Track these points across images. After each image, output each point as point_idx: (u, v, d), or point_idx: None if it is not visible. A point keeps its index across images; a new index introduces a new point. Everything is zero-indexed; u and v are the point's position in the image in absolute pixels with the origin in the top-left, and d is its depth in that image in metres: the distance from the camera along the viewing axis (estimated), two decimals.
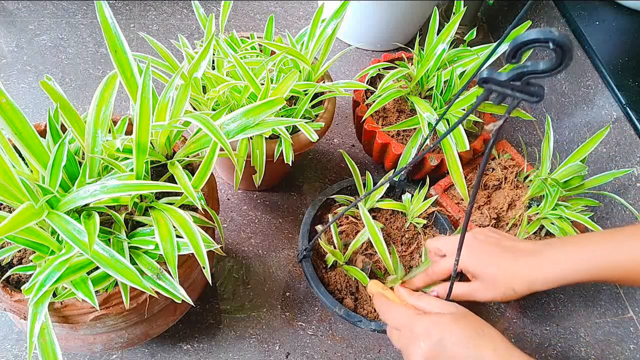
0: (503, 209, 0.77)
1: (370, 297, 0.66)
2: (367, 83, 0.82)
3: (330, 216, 0.74)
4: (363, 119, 0.77)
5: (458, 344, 0.44)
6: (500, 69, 0.92)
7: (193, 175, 0.51)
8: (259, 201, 0.86)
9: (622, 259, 0.46)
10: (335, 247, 0.69)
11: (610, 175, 0.74)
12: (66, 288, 0.46)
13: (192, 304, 0.51)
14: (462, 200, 0.78)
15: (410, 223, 0.75)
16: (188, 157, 0.54)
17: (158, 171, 0.58)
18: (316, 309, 0.76)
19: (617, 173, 0.74)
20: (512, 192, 0.79)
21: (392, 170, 0.80)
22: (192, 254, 0.47)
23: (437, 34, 0.77)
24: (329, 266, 0.70)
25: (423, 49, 0.79)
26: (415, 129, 0.77)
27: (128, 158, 0.50)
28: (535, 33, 0.26)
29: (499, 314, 0.80)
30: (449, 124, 0.76)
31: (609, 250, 0.47)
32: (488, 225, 0.75)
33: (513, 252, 0.52)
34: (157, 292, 0.46)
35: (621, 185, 0.85)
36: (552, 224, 0.73)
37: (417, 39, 0.84)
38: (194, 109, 0.65)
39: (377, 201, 0.74)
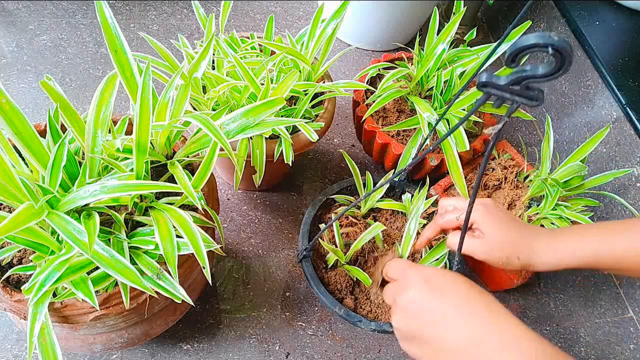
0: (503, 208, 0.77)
1: (376, 293, 0.66)
2: (367, 83, 0.82)
3: (332, 215, 0.74)
4: (363, 119, 0.77)
5: (453, 292, 0.40)
6: (500, 69, 0.92)
7: (193, 175, 0.51)
8: (259, 201, 0.86)
9: (619, 249, 0.49)
10: (336, 247, 0.69)
11: (610, 175, 0.74)
12: (66, 288, 0.46)
13: (192, 304, 0.51)
14: None
15: None
16: (188, 157, 0.54)
17: (158, 171, 0.58)
18: (316, 309, 0.76)
19: (617, 173, 0.74)
20: (512, 192, 0.79)
21: (392, 171, 0.80)
22: (192, 254, 0.47)
23: (437, 34, 0.77)
24: (329, 266, 0.70)
25: (423, 49, 0.79)
26: (415, 129, 0.77)
27: (128, 158, 0.50)
28: (534, 38, 0.26)
29: None
30: (449, 124, 0.76)
31: (607, 240, 0.50)
32: None
33: (525, 227, 0.54)
34: (157, 292, 0.46)
35: (621, 185, 0.85)
36: (552, 224, 0.73)
37: (417, 39, 0.84)
38: (194, 109, 0.65)
39: (377, 201, 0.74)
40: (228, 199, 0.86)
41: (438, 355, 0.39)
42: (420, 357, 0.41)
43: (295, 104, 0.71)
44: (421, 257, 0.73)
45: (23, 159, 0.47)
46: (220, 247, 0.53)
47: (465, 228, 0.40)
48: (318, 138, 0.64)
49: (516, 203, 0.78)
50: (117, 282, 0.47)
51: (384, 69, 0.84)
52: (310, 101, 0.71)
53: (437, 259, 0.69)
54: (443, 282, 0.41)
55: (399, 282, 0.44)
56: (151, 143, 0.51)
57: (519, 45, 0.27)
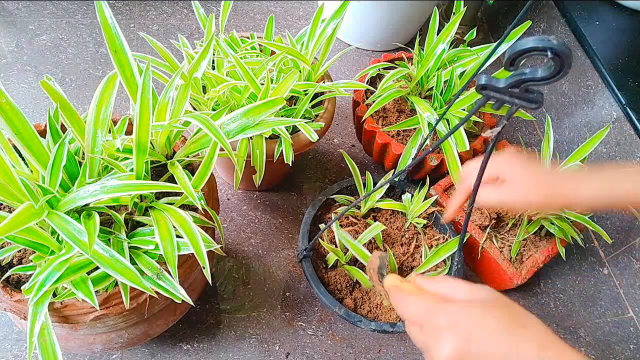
0: (503, 208, 0.77)
1: (382, 296, 0.66)
2: (367, 83, 0.82)
3: (332, 215, 0.74)
4: (363, 119, 0.77)
5: (492, 340, 0.35)
6: (500, 70, 0.92)
7: (193, 175, 0.51)
8: (259, 201, 0.86)
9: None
10: (336, 247, 0.69)
11: None
12: (66, 288, 0.46)
13: (192, 304, 0.51)
14: None
15: (410, 223, 0.75)
16: (188, 157, 0.54)
17: (158, 171, 0.58)
18: (316, 309, 0.76)
19: None
20: None
21: (392, 171, 0.80)
22: (192, 254, 0.47)
23: (437, 34, 0.77)
24: (329, 266, 0.70)
25: (423, 49, 0.79)
26: (415, 129, 0.77)
27: (128, 158, 0.50)
28: (533, 41, 0.26)
29: None
30: (449, 124, 0.76)
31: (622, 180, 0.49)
32: (488, 225, 0.75)
33: (545, 170, 0.54)
34: (157, 292, 0.46)
35: None
36: (552, 223, 0.73)
37: (417, 39, 0.84)
38: (194, 109, 0.65)
39: (377, 201, 0.74)
40: (228, 199, 0.86)
41: None
42: None
43: (295, 104, 0.71)
44: (421, 256, 0.73)
45: (23, 159, 0.47)
46: (220, 247, 0.53)
47: (467, 223, 0.40)
48: (318, 138, 0.64)
49: None
50: (117, 282, 0.47)
51: (384, 69, 0.84)
52: (310, 101, 0.71)
53: (437, 264, 0.69)
54: (477, 328, 0.36)
55: (428, 332, 0.39)
56: (151, 143, 0.51)
57: (517, 49, 0.27)
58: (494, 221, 0.76)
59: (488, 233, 0.74)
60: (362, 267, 0.70)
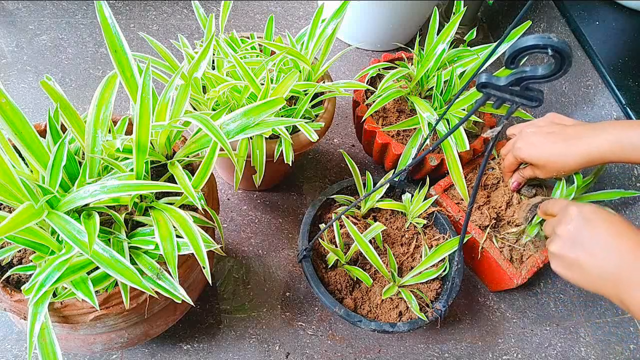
0: (502, 207, 0.77)
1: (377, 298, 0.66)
2: (367, 83, 0.82)
3: (332, 215, 0.74)
4: (363, 119, 0.77)
5: (603, 226, 0.47)
6: (500, 69, 0.92)
7: (193, 175, 0.51)
8: (259, 201, 0.86)
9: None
10: (337, 247, 0.69)
11: (617, 194, 0.75)
12: (66, 288, 0.46)
13: (192, 304, 0.51)
14: (462, 200, 0.78)
15: (410, 223, 0.75)
16: (188, 157, 0.54)
17: (158, 171, 0.58)
18: (316, 309, 0.76)
19: (624, 193, 0.75)
20: (510, 191, 0.79)
21: (392, 171, 0.80)
22: (192, 254, 0.47)
23: (437, 34, 0.77)
24: (329, 266, 0.70)
25: (423, 49, 0.79)
26: (415, 129, 0.77)
27: (128, 158, 0.50)
28: (534, 39, 0.26)
29: (499, 314, 0.81)
30: (449, 124, 0.76)
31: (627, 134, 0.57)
32: (488, 225, 0.75)
33: (557, 139, 0.62)
34: (157, 292, 0.46)
35: (621, 185, 0.85)
36: None
37: (417, 39, 0.84)
38: (194, 109, 0.65)
39: (377, 201, 0.74)
40: (228, 199, 0.86)
41: (585, 277, 0.47)
42: (570, 278, 0.50)
43: (295, 104, 0.71)
44: (421, 256, 0.73)
45: (23, 159, 0.47)
46: (220, 247, 0.53)
47: (467, 223, 0.41)
48: (318, 138, 0.64)
49: (514, 202, 0.78)
50: (117, 282, 0.47)
51: (384, 69, 0.84)
52: (310, 101, 0.71)
53: (436, 265, 0.69)
54: (599, 218, 0.48)
55: (559, 217, 0.52)
56: (151, 143, 0.51)
57: (518, 47, 0.27)
58: (494, 221, 0.76)
59: (488, 233, 0.74)
60: (363, 266, 0.71)
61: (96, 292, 0.45)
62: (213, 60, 0.71)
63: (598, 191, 0.75)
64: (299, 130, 0.66)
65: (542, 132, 0.64)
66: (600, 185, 0.85)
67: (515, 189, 0.72)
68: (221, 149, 0.50)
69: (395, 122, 0.81)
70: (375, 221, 0.75)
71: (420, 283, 0.70)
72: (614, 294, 0.45)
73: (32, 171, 0.47)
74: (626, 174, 0.84)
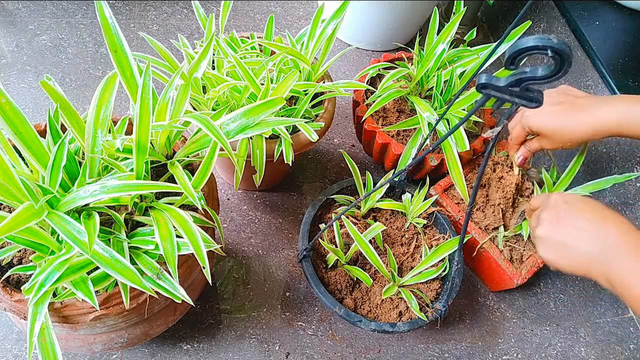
0: (502, 206, 0.77)
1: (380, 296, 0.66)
2: (367, 83, 0.82)
3: (332, 215, 0.74)
4: (363, 119, 0.77)
5: (585, 209, 0.49)
6: (499, 70, 0.92)
7: (193, 175, 0.51)
8: (259, 201, 0.86)
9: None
10: (337, 247, 0.69)
11: (611, 181, 0.75)
12: (66, 288, 0.46)
13: (192, 304, 0.51)
14: (462, 200, 0.78)
15: (410, 223, 0.75)
16: (188, 157, 0.54)
17: (158, 171, 0.58)
18: (316, 309, 0.76)
19: (618, 178, 0.75)
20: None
21: (392, 171, 0.80)
22: (192, 254, 0.47)
23: (437, 34, 0.77)
24: (329, 266, 0.70)
25: (423, 49, 0.79)
26: (415, 129, 0.77)
27: (128, 158, 0.50)
28: (534, 40, 0.26)
29: (499, 314, 0.81)
30: (449, 124, 0.76)
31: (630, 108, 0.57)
32: (489, 225, 0.75)
33: (566, 109, 0.62)
34: (157, 292, 0.46)
35: (621, 185, 0.85)
36: None
37: (417, 39, 0.84)
38: (194, 109, 0.65)
39: (377, 201, 0.74)
40: (228, 199, 0.86)
41: (572, 258, 0.49)
42: (557, 262, 0.50)
43: (295, 104, 0.71)
44: (421, 256, 0.73)
45: (23, 159, 0.47)
46: (220, 247, 0.53)
47: (467, 223, 0.41)
48: (318, 138, 0.64)
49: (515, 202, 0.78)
50: (117, 282, 0.47)
51: (384, 69, 0.84)
52: (310, 101, 0.71)
53: (436, 265, 0.69)
54: (580, 201, 0.50)
55: (542, 205, 0.54)
56: (151, 143, 0.51)
57: (518, 48, 0.27)
58: (498, 223, 0.76)
59: (489, 238, 0.74)
60: (363, 266, 0.71)
61: (96, 292, 0.45)
62: (213, 60, 0.71)
63: (590, 182, 0.76)
64: (299, 130, 0.66)
65: (553, 101, 0.64)
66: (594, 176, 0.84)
67: (521, 163, 0.72)
68: (221, 149, 0.50)
69: (395, 122, 0.81)
70: (375, 221, 0.75)
71: (420, 283, 0.70)
72: (600, 274, 0.46)
73: (32, 171, 0.47)
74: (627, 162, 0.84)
